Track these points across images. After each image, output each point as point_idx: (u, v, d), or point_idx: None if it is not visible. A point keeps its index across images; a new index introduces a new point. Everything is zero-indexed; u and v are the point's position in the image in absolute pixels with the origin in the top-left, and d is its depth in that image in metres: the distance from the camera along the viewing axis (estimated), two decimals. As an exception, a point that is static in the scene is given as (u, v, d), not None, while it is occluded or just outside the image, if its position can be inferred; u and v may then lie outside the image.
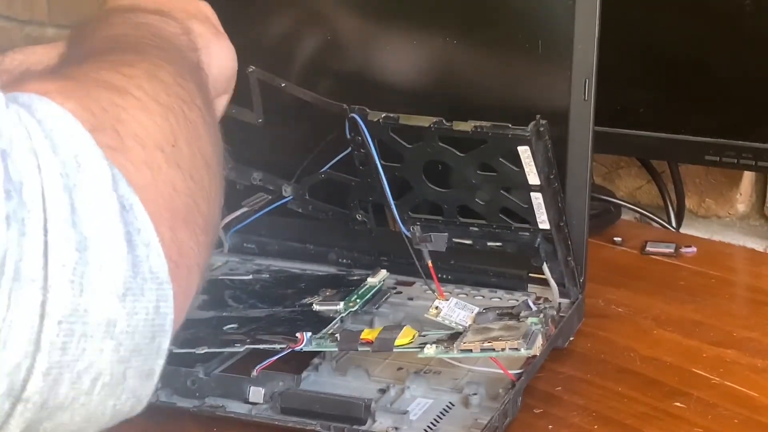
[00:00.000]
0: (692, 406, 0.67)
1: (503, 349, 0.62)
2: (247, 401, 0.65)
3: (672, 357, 0.74)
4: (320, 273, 0.82)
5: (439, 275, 0.79)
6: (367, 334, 0.65)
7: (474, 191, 0.72)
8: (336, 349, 0.67)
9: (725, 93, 0.91)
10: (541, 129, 0.67)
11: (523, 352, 0.61)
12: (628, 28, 0.89)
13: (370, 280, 0.77)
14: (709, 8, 0.90)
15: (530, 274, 0.77)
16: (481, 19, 0.76)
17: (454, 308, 0.69)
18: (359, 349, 0.65)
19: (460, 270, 0.79)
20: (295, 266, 0.84)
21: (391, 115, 0.72)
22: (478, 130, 0.68)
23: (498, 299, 0.77)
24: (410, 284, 0.79)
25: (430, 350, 0.63)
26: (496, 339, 0.62)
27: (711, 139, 0.92)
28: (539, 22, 0.74)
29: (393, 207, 0.74)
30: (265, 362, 0.66)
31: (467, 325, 0.67)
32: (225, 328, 0.71)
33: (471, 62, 0.77)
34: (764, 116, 0.90)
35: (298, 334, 0.66)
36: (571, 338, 0.75)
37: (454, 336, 0.65)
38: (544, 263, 0.73)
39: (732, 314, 0.82)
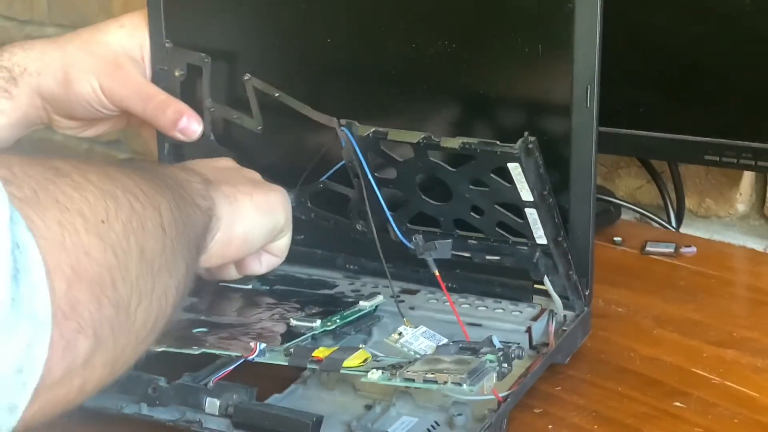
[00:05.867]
0: (692, 406, 0.67)
1: (445, 383, 0.60)
2: (204, 412, 0.65)
3: (672, 357, 0.74)
4: (320, 293, 0.81)
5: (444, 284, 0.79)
6: (319, 353, 0.65)
7: (469, 205, 0.72)
8: (286, 364, 0.65)
9: (725, 93, 0.91)
10: (530, 146, 0.66)
11: (465, 388, 0.59)
12: (627, 28, 0.89)
13: (362, 303, 0.75)
14: (709, 8, 0.90)
15: (535, 285, 0.76)
16: (481, 25, 0.75)
17: (420, 337, 0.68)
18: (308, 366, 0.65)
19: (465, 280, 0.78)
20: (302, 271, 0.84)
21: (381, 129, 0.71)
22: (466, 146, 0.67)
23: (501, 310, 0.76)
24: (414, 293, 0.79)
25: (373, 375, 0.62)
26: (441, 371, 0.61)
27: (711, 139, 0.92)
28: (539, 28, 0.72)
29: (390, 219, 0.73)
30: (221, 373, 0.66)
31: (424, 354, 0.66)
32: (194, 330, 0.71)
33: (471, 69, 0.76)
34: (764, 116, 0.90)
35: (252, 344, 0.66)
36: (574, 351, 0.73)
37: (407, 364, 0.63)
38: (546, 276, 0.72)
39: (732, 314, 0.82)
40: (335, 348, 0.66)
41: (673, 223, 1.06)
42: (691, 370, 0.72)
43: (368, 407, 0.66)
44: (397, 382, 0.62)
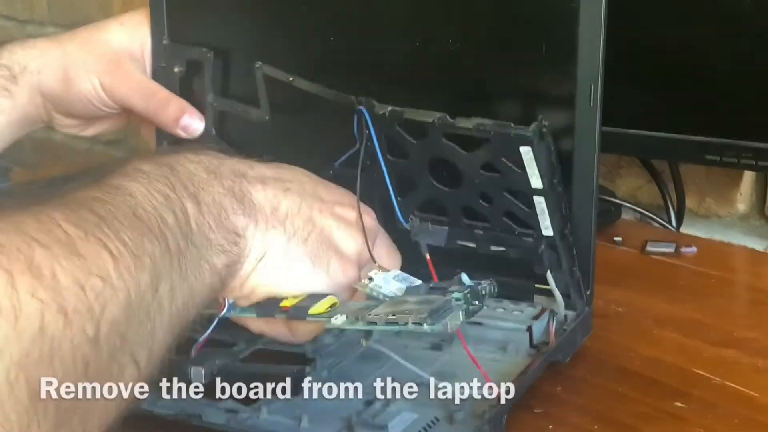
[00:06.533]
0: (692, 406, 0.67)
1: (406, 324, 0.58)
2: (189, 382, 0.64)
3: (672, 357, 0.74)
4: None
5: None
6: (287, 302, 0.63)
7: (478, 192, 0.72)
8: (255, 315, 0.64)
9: (725, 93, 0.91)
10: (544, 130, 0.67)
11: (426, 327, 0.58)
12: (627, 28, 0.89)
13: None
14: (709, 8, 0.90)
15: (536, 285, 0.75)
16: (485, 24, 0.75)
17: (391, 280, 0.66)
18: (276, 315, 0.64)
19: None
20: None
21: (397, 108, 0.72)
22: (481, 127, 0.68)
23: (502, 309, 0.76)
24: None
25: (337, 321, 0.61)
26: (403, 313, 0.59)
27: (711, 139, 0.91)
28: (543, 26, 0.72)
29: (393, 198, 0.73)
30: (200, 340, 0.65)
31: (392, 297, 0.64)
32: None
33: (474, 68, 0.76)
34: (764, 116, 0.90)
35: (220, 299, 0.64)
36: (574, 351, 0.73)
37: (372, 307, 0.62)
38: (549, 272, 0.72)
39: (732, 314, 0.82)
40: (304, 297, 0.64)
41: (674, 223, 1.06)
42: (691, 370, 0.72)
43: (368, 403, 0.66)
44: (360, 325, 0.60)
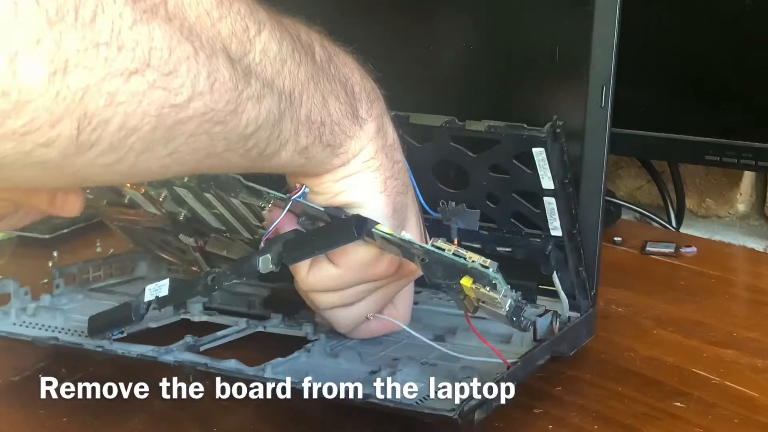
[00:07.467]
0: (692, 406, 0.67)
1: (473, 261, 0.58)
2: (259, 272, 0.64)
3: (672, 357, 0.74)
4: None
5: None
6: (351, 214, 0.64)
7: (485, 193, 0.72)
8: (322, 210, 0.64)
9: (725, 93, 0.91)
10: (558, 131, 0.66)
11: (491, 272, 0.58)
12: (627, 28, 0.89)
13: None
14: (709, 8, 0.90)
15: (540, 286, 0.75)
16: (499, 25, 0.75)
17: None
18: (342, 215, 0.63)
19: None
20: None
21: (401, 113, 0.71)
22: (492, 129, 0.68)
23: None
24: (417, 292, 0.78)
25: (406, 235, 0.61)
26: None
27: (711, 139, 0.92)
28: (557, 29, 0.73)
29: (416, 189, 0.73)
30: (269, 230, 0.65)
31: None
32: None
33: (487, 68, 0.76)
34: (764, 116, 0.90)
35: (298, 184, 0.64)
36: (577, 348, 0.73)
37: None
38: (554, 273, 0.72)
39: (732, 314, 0.82)
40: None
41: (674, 223, 1.06)
42: (691, 370, 0.72)
43: (373, 373, 0.66)
44: (428, 246, 0.60)
